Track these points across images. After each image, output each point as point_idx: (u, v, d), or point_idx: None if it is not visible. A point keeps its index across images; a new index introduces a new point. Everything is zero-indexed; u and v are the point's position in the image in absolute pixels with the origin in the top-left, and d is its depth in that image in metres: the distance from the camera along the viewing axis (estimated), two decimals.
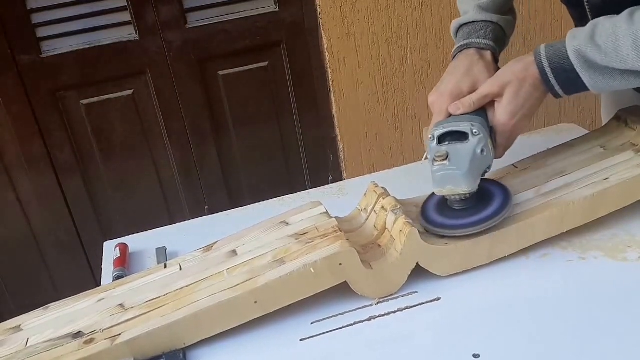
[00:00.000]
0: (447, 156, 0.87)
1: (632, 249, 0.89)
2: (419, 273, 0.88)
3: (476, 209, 0.89)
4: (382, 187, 0.97)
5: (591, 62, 0.86)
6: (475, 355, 0.75)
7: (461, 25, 1.05)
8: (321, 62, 2.24)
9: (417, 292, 0.88)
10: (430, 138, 0.90)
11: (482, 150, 0.88)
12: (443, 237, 0.90)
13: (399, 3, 2.16)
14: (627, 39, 0.83)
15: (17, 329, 0.89)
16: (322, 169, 2.41)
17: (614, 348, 0.74)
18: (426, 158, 0.95)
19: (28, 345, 0.84)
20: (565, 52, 0.88)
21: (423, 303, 0.86)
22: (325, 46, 2.18)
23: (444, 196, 0.90)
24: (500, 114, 0.91)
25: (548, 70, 0.89)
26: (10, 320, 0.92)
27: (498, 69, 0.98)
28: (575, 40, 0.87)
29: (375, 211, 0.95)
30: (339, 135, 2.33)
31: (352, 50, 2.20)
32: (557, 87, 0.90)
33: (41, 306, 0.94)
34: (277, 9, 2.18)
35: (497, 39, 1.02)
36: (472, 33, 1.02)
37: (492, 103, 0.93)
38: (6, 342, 0.86)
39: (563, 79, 0.89)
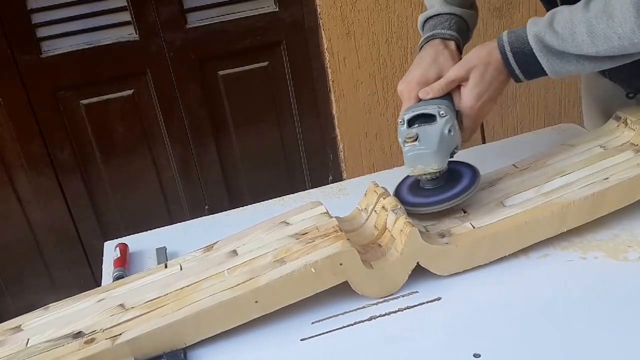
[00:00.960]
0: (417, 137, 0.92)
1: (633, 249, 0.89)
2: (419, 273, 0.88)
3: (446, 187, 0.94)
4: (383, 187, 0.97)
5: (549, 47, 0.91)
6: (475, 355, 0.75)
7: (427, 19, 1.09)
8: (321, 62, 2.23)
9: (417, 292, 0.88)
10: (401, 122, 0.95)
11: (450, 131, 0.93)
12: (442, 236, 0.90)
13: (399, 3, 2.16)
14: (582, 25, 0.87)
15: (18, 329, 0.89)
16: (322, 169, 2.41)
17: (614, 348, 0.74)
18: None
19: (28, 345, 0.84)
20: (525, 37, 0.92)
21: (423, 303, 0.86)
22: (325, 46, 2.18)
23: (416, 178, 0.96)
24: (466, 97, 0.96)
25: (509, 54, 0.93)
26: (10, 321, 0.92)
27: (461, 58, 1.01)
28: (535, 26, 0.92)
29: (375, 211, 0.95)
30: (339, 135, 2.33)
31: (352, 50, 2.19)
32: (517, 71, 0.94)
33: (41, 306, 0.93)
34: (277, 9, 2.18)
35: (460, 31, 1.07)
36: (437, 25, 1.06)
37: (457, 89, 0.97)
38: (6, 342, 0.86)
39: (523, 63, 0.93)
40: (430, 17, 1.08)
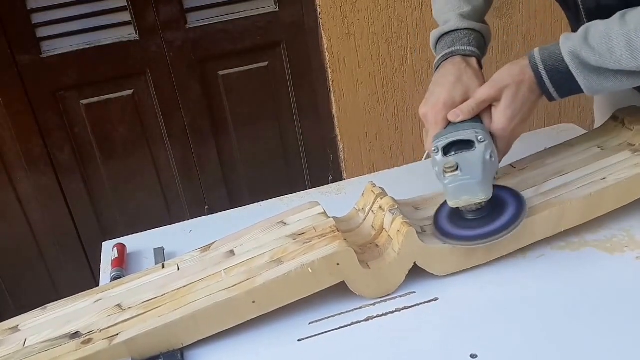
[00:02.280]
0: (457, 167, 0.86)
1: (630, 249, 0.89)
2: (416, 273, 0.88)
3: (492, 216, 0.88)
4: (380, 187, 0.97)
5: (585, 63, 0.87)
6: (472, 356, 0.75)
7: (442, 35, 1.04)
8: (321, 62, 2.23)
9: (414, 292, 0.88)
10: (435, 150, 0.89)
11: (491, 156, 0.87)
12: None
13: (399, 3, 2.16)
14: (620, 39, 0.84)
15: (15, 329, 0.89)
16: (322, 169, 2.41)
17: (611, 347, 0.74)
18: (426, 158, 0.94)
19: (26, 345, 0.84)
20: (559, 54, 0.88)
21: (421, 303, 0.86)
22: (325, 46, 2.18)
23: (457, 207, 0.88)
24: (499, 118, 0.91)
25: (543, 72, 0.89)
26: (7, 321, 0.92)
27: (483, 75, 0.97)
28: (569, 42, 0.88)
29: (372, 211, 0.95)
30: (339, 135, 2.33)
31: (352, 50, 2.19)
32: (551, 90, 0.90)
33: (41, 306, 0.93)
34: (277, 9, 2.18)
35: (480, 47, 1.02)
36: (455, 41, 1.01)
37: (487, 109, 0.92)
38: (4, 343, 0.86)
39: (557, 81, 0.89)
40: (446, 33, 1.03)
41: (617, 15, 0.86)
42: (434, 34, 1.06)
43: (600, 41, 0.85)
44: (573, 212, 0.90)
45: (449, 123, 0.92)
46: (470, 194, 0.85)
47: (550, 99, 0.92)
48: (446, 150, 0.88)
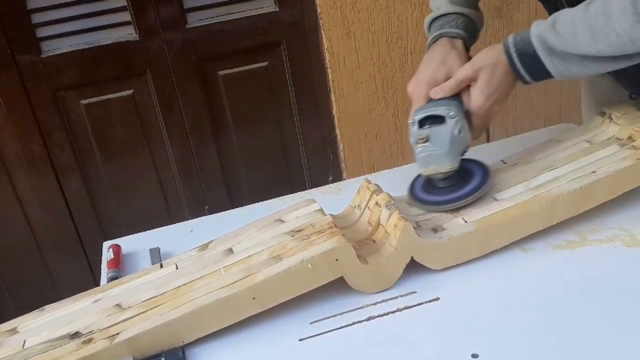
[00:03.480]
0: (428, 138, 0.94)
1: (631, 248, 0.89)
2: (418, 273, 0.89)
3: (459, 185, 0.96)
4: (375, 184, 0.97)
5: (551, 47, 0.91)
6: (474, 355, 0.75)
7: (434, 19, 1.10)
8: (321, 62, 2.23)
9: (416, 292, 0.88)
10: (411, 123, 0.97)
11: (459, 131, 0.94)
12: (435, 231, 0.91)
13: (399, 3, 2.16)
14: (582, 24, 0.88)
15: (13, 331, 0.88)
16: (322, 169, 2.41)
17: (613, 346, 0.74)
18: None
19: (25, 346, 0.84)
20: (529, 38, 0.93)
21: (422, 303, 0.86)
22: (325, 46, 2.18)
23: (428, 176, 0.97)
24: (476, 97, 0.97)
25: (514, 55, 0.94)
26: (5, 323, 0.91)
27: (469, 57, 1.03)
28: (537, 27, 0.93)
29: (369, 207, 0.95)
30: (339, 135, 2.33)
31: (352, 50, 2.20)
32: (522, 72, 0.95)
33: (41, 306, 0.93)
34: (277, 9, 2.18)
35: (468, 30, 1.08)
36: (444, 24, 1.08)
37: (467, 88, 0.98)
38: (3, 345, 0.85)
39: (527, 64, 0.94)
40: (437, 18, 1.10)
41: (584, 3, 0.90)
42: (427, 19, 1.13)
43: (565, 26, 0.89)
44: (564, 205, 0.92)
45: (430, 100, 0.98)
46: (436, 163, 0.95)
47: (524, 81, 0.97)
48: (422, 123, 0.96)
